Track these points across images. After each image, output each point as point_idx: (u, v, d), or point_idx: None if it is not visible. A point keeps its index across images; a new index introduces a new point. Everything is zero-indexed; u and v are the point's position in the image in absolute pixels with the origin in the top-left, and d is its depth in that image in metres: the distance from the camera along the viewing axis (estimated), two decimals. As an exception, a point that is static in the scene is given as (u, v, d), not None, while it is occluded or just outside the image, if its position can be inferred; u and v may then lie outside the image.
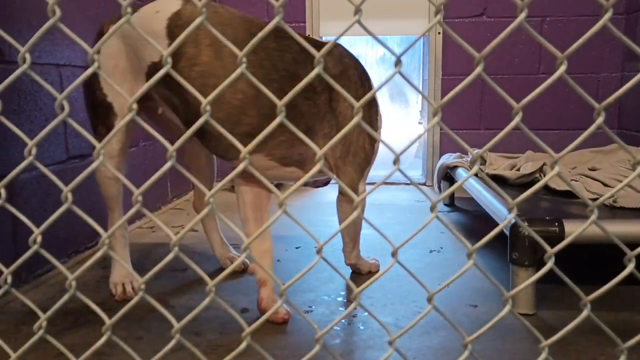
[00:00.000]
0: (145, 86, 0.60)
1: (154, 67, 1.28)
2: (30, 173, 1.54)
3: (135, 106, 0.60)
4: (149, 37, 0.65)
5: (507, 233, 1.32)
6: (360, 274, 1.61)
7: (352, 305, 0.62)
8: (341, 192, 1.49)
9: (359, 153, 1.39)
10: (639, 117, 2.67)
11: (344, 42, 3.61)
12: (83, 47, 0.59)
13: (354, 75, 1.39)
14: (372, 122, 1.44)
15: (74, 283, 0.66)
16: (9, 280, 0.68)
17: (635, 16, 2.70)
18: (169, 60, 0.59)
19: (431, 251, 1.82)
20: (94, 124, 1.41)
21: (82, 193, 1.81)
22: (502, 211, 1.46)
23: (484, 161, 2.15)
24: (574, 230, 1.28)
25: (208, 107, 0.59)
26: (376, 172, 3.41)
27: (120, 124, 0.61)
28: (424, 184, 3.08)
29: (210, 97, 0.59)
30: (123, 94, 0.60)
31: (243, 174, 1.37)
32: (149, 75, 1.30)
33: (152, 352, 1.12)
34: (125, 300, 1.40)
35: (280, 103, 0.58)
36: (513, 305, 1.31)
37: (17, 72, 0.63)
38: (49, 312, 0.67)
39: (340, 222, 1.55)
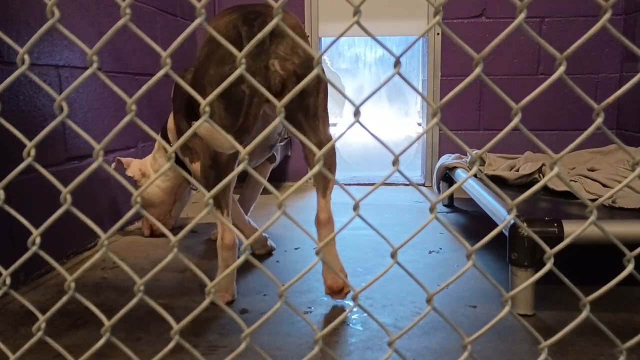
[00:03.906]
0: (146, 86, 0.60)
1: None
2: (29, 174, 1.54)
3: (134, 107, 0.60)
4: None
5: (507, 234, 1.32)
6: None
7: (352, 306, 0.62)
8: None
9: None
10: (637, 117, 2.67)
11: (343, 42, 3.61)
12: (82, 48, 0.59)
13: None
14: None
15: (72, 284, 0.66)
16: (8, 281, 0.68)
17: (634, 17, 2.70)
18: (168, 61, 0.58)
19: (430, 252, 1.82)
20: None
21: (81, 194, 1.81)
22: (501, 212, 1.46)
23: (483, 162, 2.15)
24: (573, 230, 1.28)
25: (207, 108, 0.58)
26: (375, 172, 3.43)
27: (119, 125, 0.60)
28: (423, 185, 3.08)
29: (209, 98, 0.59)
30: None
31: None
32: None
33: (152, 353, 1.12)
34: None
35: (279, 104, 0.58)
36: (512, 306, 1.31)
37: (16, 73, 0.63)
38: (48, 314, 0.67)
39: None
